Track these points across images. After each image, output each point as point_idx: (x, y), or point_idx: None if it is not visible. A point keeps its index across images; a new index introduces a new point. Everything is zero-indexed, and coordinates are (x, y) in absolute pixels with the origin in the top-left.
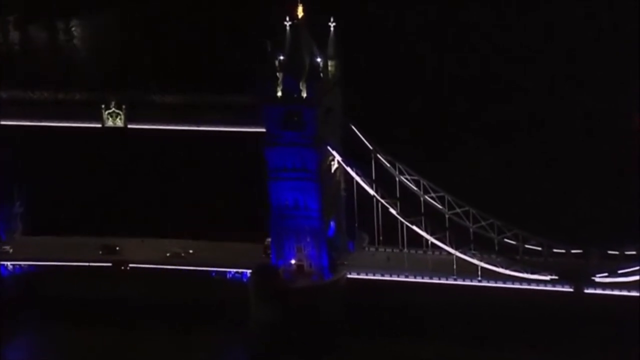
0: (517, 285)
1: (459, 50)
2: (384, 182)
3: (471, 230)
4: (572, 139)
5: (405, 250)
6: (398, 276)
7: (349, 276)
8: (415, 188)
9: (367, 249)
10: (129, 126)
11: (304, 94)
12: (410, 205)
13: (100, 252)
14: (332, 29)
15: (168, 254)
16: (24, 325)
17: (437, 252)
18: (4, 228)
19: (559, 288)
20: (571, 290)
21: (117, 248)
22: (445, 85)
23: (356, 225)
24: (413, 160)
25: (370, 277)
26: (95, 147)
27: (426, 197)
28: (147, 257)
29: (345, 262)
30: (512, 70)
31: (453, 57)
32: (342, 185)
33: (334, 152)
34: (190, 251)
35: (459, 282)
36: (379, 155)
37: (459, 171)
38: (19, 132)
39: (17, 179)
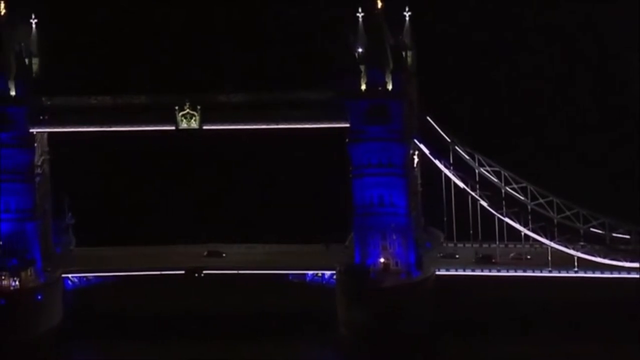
0: (615, 275)
1: (542, 35)
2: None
3: (555, 220)
4: None
5: (494, 244)
6: (490, 271)
7: (437, 273)
8: (495, 179)
9: (445, 244)
10: (204, 127)
11: (389, 87)
12: (491, 197)
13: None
14: (407, 18)
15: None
16: (93, 340)
17: (519, 245)
18: (58, 241)
19: None
20: None
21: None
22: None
23: (445, 220)
24: (489, 152)
25: (461, 272)
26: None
27: (507, 188)
28: (221, 264)
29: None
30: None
31: (534, 42)
32: (419, 180)
33: (421, 146)
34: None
35: (555, 274)
36: (457, 147)
37: (536, 162)
38: (66, 140)
39: (67, 190)
